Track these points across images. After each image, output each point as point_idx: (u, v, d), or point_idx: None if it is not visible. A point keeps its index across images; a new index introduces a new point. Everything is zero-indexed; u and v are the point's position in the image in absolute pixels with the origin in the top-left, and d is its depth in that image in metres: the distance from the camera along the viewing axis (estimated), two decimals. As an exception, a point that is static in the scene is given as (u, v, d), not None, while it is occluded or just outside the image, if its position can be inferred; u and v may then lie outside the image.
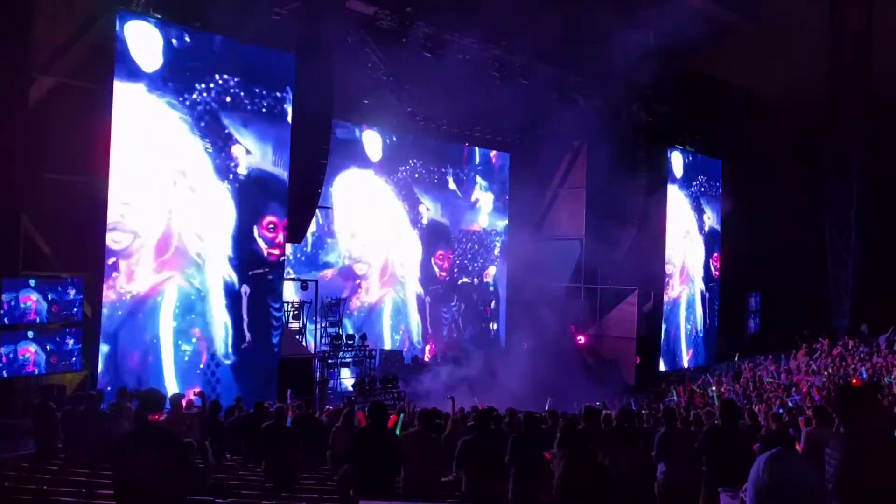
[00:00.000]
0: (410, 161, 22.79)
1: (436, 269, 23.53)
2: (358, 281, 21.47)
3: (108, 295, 13.33)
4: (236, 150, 15.29)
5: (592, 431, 7.41)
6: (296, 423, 9.46)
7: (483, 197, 25.35)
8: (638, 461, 7.63)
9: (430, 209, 23.39)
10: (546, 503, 6.68)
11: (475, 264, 25.02)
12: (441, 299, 23.73)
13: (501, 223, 25.91)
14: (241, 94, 15.26)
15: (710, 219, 27.09)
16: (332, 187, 20.53)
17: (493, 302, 25.00)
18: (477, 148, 25.11)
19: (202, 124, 14.71)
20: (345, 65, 17.41)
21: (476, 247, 25.01)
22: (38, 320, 11.88)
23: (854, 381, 14.76)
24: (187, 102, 14.43)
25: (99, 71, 13.34)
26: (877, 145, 25.85)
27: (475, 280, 24.85)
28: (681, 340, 25.83)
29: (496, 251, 25.77)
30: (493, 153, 25.47)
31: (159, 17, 14.02)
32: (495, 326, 23.98)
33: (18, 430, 10.39)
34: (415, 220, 23.04)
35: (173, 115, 14.30)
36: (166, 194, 14.22)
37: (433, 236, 23.53)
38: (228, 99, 15.05)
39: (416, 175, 22.97)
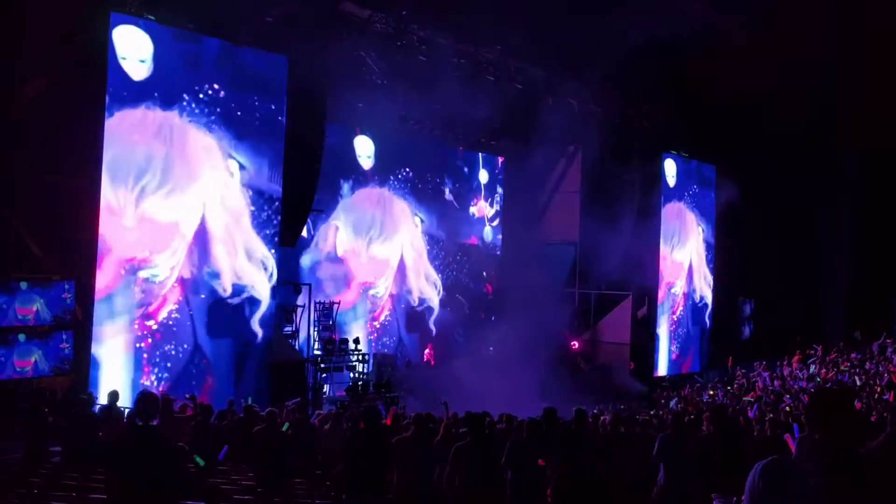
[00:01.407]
0: (404, 170, 22.49)
1: (429, 282, 23.43)
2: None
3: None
4: (230, 165, 15.25)
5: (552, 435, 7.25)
6: (292, 427, 9.43)
7: (484, 210, 25.23)
8: (633, 466, 7.61)
9: (424, 221, 23.19)
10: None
11: (472, 278, 24.86)
12: (436, 307, 23.68)
13: (501, 237, 25.81)
14: (233, 104, 15.20)
15: (704, 224, 27.14)
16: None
17: (487, 309, 25.01)
18: (480, 154, 25.09)
19: (195, 137, 14.65)
20: (339, 68, 17.37)
21: (474, 261, 24.87)
22: (36, 323, 11.86)
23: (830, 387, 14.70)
24: (180, 114, 14.37)
25: (91, 72, 13.30)
26: (871, 150, 25.90)
27: (471, 291, 24.74)
28: (674, 346, 25.85)
29: (495, 265, 25.59)
30: (499, 160, 25.39)
31: (152, 18, 13.98)
32: (492, 348, 23.92)
33: (8, 433, 10.30)
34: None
35: (166, 126, 14.27)
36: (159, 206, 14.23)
37: (428, 248, 23.34)
38: (220, 109, 14.99)
39: (409, 185, 22.62)
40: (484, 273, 24.76)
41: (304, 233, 19.04)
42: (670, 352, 25.60)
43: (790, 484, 3.36)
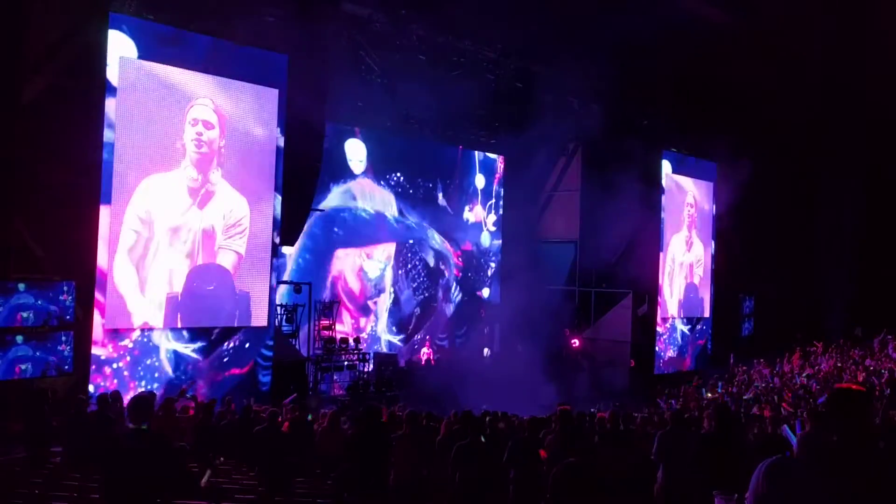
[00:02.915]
0: (395, 175, 22.33)
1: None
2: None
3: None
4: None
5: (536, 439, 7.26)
6: (291, 426, 9.43)
7: (480, 215, 25.15)
8: (632, 463, 7.60)
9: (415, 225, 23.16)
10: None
11: (467, 285, 24.78)
12: (434, 307, 23.73)
13: (498, 242, 25.73)
14: (231, 102, 15.14)
15: (704, 222, 27.14)
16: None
17: (486, 309, 25.06)
18: (476, 156, 25.11)
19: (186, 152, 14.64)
20: (338, 67, 17.37)
21: (467, 266, 24.80)
22: (36, 323, 11.87)
23: (848, 384, 14.62)
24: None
25: (91, 72, 13.29)
26: (871, 148, 25.92)
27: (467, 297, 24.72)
28: (675, 343, 25.86)
29: (490, 272, 25.59)
30: (498, 158, 25.34)
31: (151, 18, 13.97)
32: (488, 352, 23.96)
33: (8, 433, 10.30)
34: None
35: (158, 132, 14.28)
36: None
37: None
38: (216, 107, 14.96)
39: (400, 189, 22.50)
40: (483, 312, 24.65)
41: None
42: (671, 349, 25.60)
43: (795, 484, 3.34)
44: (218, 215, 15.05)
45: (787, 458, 3.39)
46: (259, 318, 15.68)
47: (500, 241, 25.74)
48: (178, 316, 14.44)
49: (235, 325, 15.31)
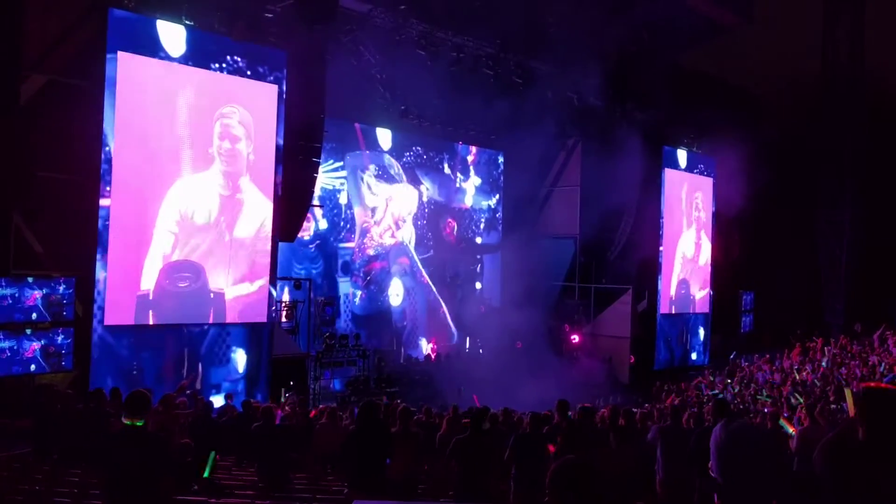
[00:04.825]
0: (414, 147, 23.98)
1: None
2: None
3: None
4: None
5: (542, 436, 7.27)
6: (292, 422, 9.47)
7: (470, 181, 26.15)
8: (633, 458, 7.59)
9: (429, 189, 24.43)
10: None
11: (468, 234, 25.85)
12: (436, 297, 23.80)
13: (486, 202, 26.61)
14: (230, 99, 15.14)
15: (704, 217, 27.11)
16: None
17: (485, 306, 25.11)
18: (473, 147, 25.36)
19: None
20: (338, 63, 17.34)
21: (466, 221, 25.92)
22: (37, 319, 11.89)
23: (877, 383, 14.48)
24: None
25: (90, 68, 13.26)
26: (869, 144, 25.92)
27: (466, 247, 25.76)
28: (675, 339, 25.84)
29: (482, 225, 26.48)
30: (472, 149, 25.95)
31: (149, 13, 13.91)
32: (482, 350, 24.10)
33: (11, 429, 10.30)
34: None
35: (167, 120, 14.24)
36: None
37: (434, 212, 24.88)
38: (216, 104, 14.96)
39: (418, 160, 24.28)
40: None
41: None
42: (670, 345, 25.59)
43: (748, 431, 4.84)
44: (215, 207, 15.03)
45: (737, 417, 4.70)
46: (259, 314, 15.64)
47: (490, 201, 26.71)
48: (150, 313, 14.07)
49: (210, 322, 14.91)
